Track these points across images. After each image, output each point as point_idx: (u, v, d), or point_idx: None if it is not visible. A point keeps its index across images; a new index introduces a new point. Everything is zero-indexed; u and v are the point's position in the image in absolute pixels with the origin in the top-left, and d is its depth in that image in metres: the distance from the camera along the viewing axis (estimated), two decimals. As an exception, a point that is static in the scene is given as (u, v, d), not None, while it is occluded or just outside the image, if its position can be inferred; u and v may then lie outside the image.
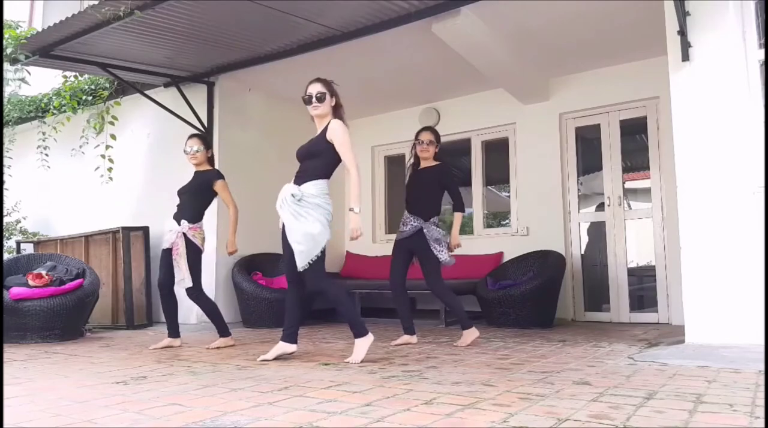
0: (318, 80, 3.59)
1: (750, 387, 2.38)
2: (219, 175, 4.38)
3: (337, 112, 3.58)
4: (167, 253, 4.23)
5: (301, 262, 3.32)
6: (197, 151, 4.39)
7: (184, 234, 4.16)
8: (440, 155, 4.45)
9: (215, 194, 4.38)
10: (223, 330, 4.25)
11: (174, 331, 4.23)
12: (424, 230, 4.17)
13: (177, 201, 4.38)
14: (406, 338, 4.20)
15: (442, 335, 4.72)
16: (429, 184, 4.32)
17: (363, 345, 3.35)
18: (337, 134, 3.44)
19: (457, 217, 4.31)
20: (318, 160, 3.47)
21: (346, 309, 3.44)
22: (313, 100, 3.52)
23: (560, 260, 5.55)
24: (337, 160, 3.49)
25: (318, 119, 3.59)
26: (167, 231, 4.26)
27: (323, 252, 3.38)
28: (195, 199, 4.32)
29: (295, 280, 3.49)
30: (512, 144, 6.56)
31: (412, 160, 4.52)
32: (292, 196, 3.36)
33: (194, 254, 4.19)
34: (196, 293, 4.19)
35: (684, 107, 3.85)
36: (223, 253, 5.96)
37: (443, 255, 4.14)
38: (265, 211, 6.60)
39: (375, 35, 4.88)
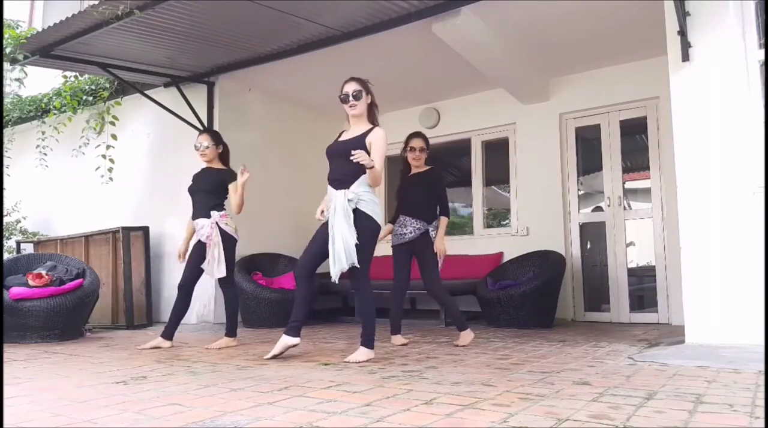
0: (353, 79, 3.56)
1: (750, 387, 2.38)
2: (235, 177, 4.32)
3: (371, 111, 3.58)
4: (200, 249, 4.21)
5: (346, 263, 3.29)
6: (207, 148, 4.38)
7: (217, 223, 4.17)
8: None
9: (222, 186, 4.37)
10: (231, 330, 4.24)
11: (170, 333, 4.21)
12: (431, 232, 4.20)
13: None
14: (400, 338, 4.22)
15: (441, 335, 4.72)
16: (424, 188, 4.33)
17: (366, 353, 3.36)
18: (379, 143, 3.43)
19: (443, 222, 4.31)
20: (359, 166, 3.41)
21: (370, 315, 3.44)
22: (350, 98, 3.49)
23: (560, 260, 5.55)
24: None
25: (354, 119, 3.55)
26: (200, 227, 4.22)
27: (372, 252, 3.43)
28: (212, 196, 4.30)
29: (306, 275, 3.46)
30: (512, 144, 6.56)
31: (402, 168, 4.52)
32: (349, 201, 3.34)
33: (230, 243, 4.22)
34: (228, 283, 4.24)
35: (684, 107, 3.85)
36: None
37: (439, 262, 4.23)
38: (266, 211, 6.65)
39: (375, 35, 4.88)
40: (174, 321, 4.23)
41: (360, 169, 3.38)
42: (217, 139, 4.48)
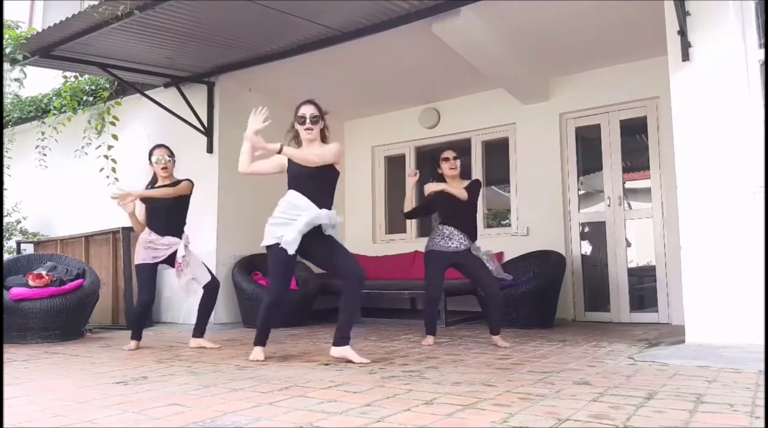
0: (311, 102, 3.51)
1: (750, 387, 2.38)
2: (189, 180, 4.29)
3: (323, 135, 3.56)
4: (152, 267, 4.13)
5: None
6: (169, 160, 4.24)
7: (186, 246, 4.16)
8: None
9: (188, 198, 4.30)
10: (201, 331, 4.27)
11: (139, 334, 4.21)
12: (472, 251, 4.22)
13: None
14: (431, 339, 4.22)
15: (442, 335, 4.71)
16: (473, 204, 4.34)
17: (351, 350, 3.32)
18: (341, 157, 3.49)
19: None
20: (333, 190, 3.47)
21: (358, 307, 3.48)
22: (308, 121, 3.45)
23: (560, 260, 5.55)
24: None
25: (308, 143, 3.50)
26: (166, 244, 4.12)
27: None
28: (181, 211, 4.25)
29: (282, 303, 3.50)
30: (512, 144, 6.56)
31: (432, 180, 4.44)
32: (332, 226, 3.41)
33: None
34: (214, 285, 4.24)
35: (684, 107, 3.85)
36: (224, 253, 5.99)
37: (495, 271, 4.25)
38: (265, 212, 6.61)
39: (375, 35, 4.88)
40: (141, 325, 4.24)
41: (330, 192, 3.44)
42: (172, 152, 4.33)
